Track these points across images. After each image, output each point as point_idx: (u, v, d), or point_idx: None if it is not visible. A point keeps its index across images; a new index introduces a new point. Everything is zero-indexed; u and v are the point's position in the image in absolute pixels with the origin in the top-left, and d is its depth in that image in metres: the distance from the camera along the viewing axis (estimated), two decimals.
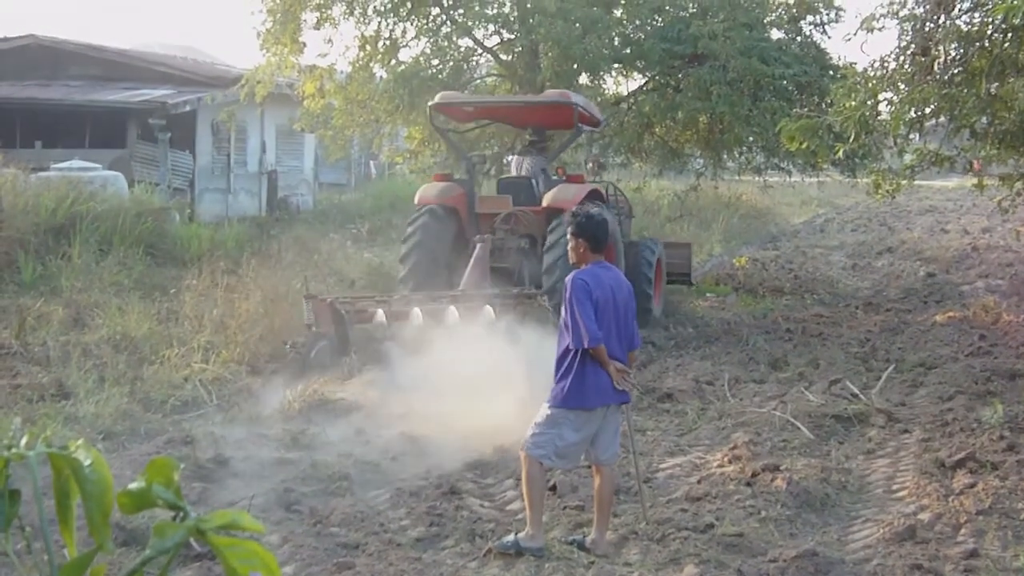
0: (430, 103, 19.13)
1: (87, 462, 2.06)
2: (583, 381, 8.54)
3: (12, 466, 2.13)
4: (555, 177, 18.66)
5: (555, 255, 16.22)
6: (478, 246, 16.63)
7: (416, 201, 18.12)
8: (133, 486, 2.05)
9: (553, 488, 10.16)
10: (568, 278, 8.67)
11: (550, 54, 23.31)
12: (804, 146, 15.08)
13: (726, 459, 10.98)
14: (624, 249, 18.75)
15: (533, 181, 18.52)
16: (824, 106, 19.37)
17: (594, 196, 17.83)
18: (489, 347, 13.00)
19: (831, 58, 24.29)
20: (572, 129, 18.82)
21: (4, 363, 14.23)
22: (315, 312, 14.63)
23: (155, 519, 8.18)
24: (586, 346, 8.44)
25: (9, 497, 2.10)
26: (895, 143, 15.59)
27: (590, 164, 21.08)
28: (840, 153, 15.34)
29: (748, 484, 10.18)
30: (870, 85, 14.13)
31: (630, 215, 20.91)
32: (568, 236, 8.97)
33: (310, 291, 15.39)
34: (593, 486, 9.10)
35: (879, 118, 14.59)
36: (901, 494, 10.27)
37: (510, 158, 20.94)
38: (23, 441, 2.10)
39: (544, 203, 17.37)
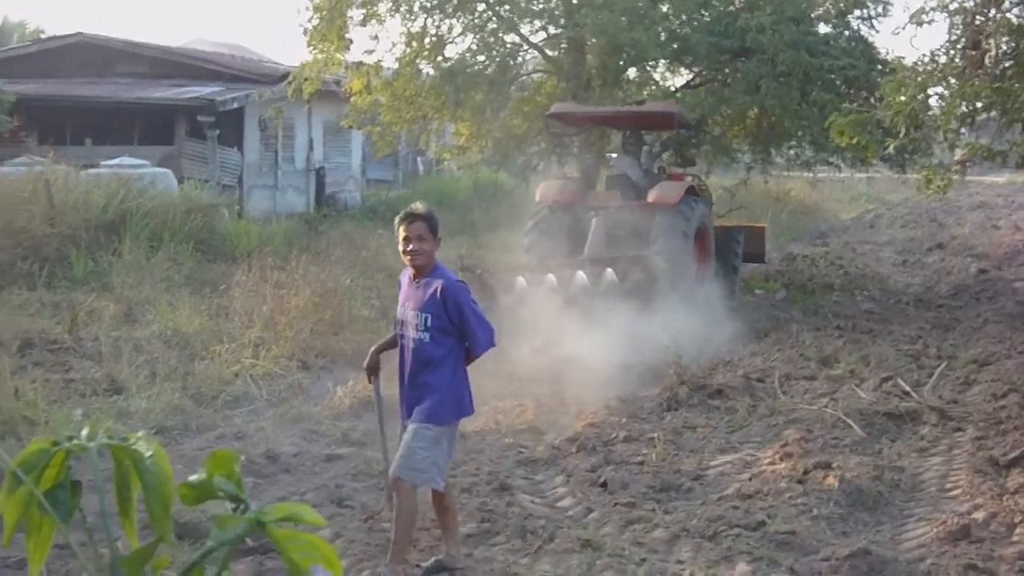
0: (548, 112, 21.57)
1: (148, 454, 2.05)
2: (466, 388, 8.13)
3: (72, 457, 2.12)
4: (656, 174, 20.79)
5: (663, 238, 18.36)
6: (594, 220, 18.46)
7: (537, 199, 20.07)
8: (194, 478, 2.05)
9: (604, 485, 10.14)
10: (447, 284, 7.89)
11: (595, 41, 23.25)
12: (854, 141, 15.00)
13: (777, 456, 10.91)
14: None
15: (636, 178, 20.12)
16: (873, 100, 19.27)
17: (691, 192, 19.82)
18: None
19: (879, 52, 24.10)
20: (672, 131, 21.35)
21: (57, 358, 14.35)
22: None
23: (206, 512, 8.22)
24: (495, 343, 8.23)
25: (71, 488, 2.10)
26: (945, 138, 15.47)
27: (677, 159, 22.94)
28: (891, 148, 15.25)
29: (800, 482, 10.11)
30: (920, 80, 14.04)
31: (711, 202, 22.30)
32: (417, 234, 7.87)
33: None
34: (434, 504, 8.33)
35: (929, 113, 14.51)
36: (954, 493, 10.16)
37: (613, 156, 22.92)
38: (84, 433, 2.10)
39: (650, 198, 19.05)
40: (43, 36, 43.31)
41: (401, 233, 7.92)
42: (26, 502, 2.05)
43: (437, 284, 7.85)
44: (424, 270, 7.95)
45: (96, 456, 2.05)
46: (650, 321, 15.88)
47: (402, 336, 8.07)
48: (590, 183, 21.73)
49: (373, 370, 8.50)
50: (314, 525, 1.97)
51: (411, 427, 7.90)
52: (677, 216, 18.58)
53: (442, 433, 7.91)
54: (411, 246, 7.86)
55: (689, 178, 21.18)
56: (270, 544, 7.44)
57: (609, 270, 16.82)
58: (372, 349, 8.51)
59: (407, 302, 8.03)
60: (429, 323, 7.85)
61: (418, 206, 8.08)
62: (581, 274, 16.70)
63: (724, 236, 21.55)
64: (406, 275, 8.16)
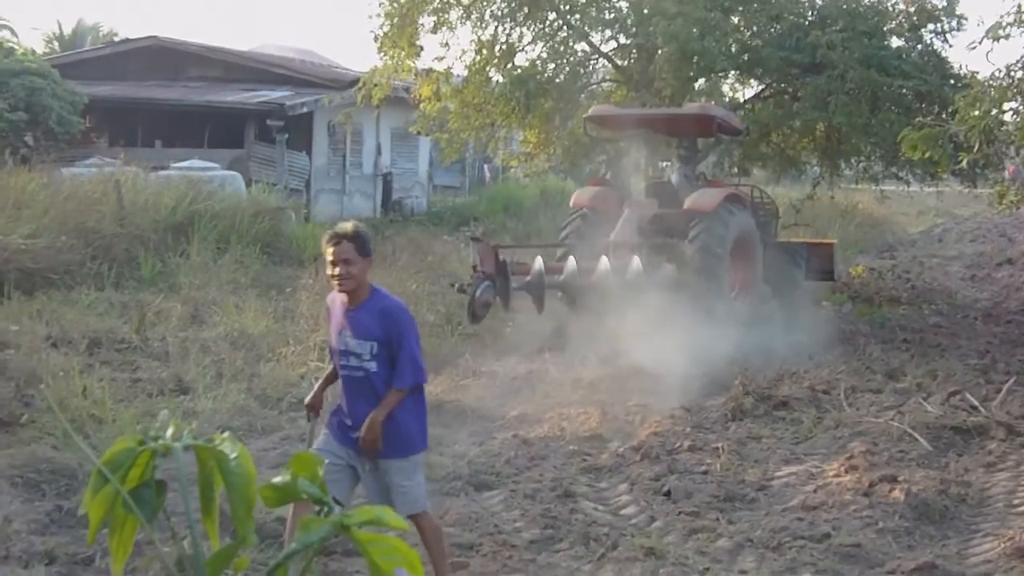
0: (585, 115, 21.01)
1: (233, 455, 2.07)
2: (425, 416, 7.65)
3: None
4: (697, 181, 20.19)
5: (696, 246, 17.75)
6: (627, 211, 18.18)
7: (571, 204, 19.90)
8: (278, 480, 2.07)
9: (668, 493, 10.12)
10: (391, 308, 7.28)
11: (665, 50, 23.09)
12: (926, 155, 14.89)
13: (843, 468, 10.83)
14: (773, 250, 20.41)
15: (678, 185, 19.95)
16: (945, 115, 19.09)
17: (733, 199, 19.07)
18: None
19: (952, 67, 23.82)
20: (712, 138, 20.96)
21: (124, 357, 14.48)
22: (480, 254, 16.36)
23: (272, 513, 8.28)
24: (425, 380, 7.59)
25: (156, 488, 2.12)
26: (1018, 153, 15.36)
27: (735, 168, 22.84)
28: (963, 163, 15.12)
29: (865, 494, 10.04)
30: (994, 94, 13.92)
31: (776, 216, 21.89)
32: (343, 257, 7.11)
33: (477, 237, 17.29)
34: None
35: (1003, 128, 14.39)
36: (1022, 509, 10.05)
37: (666, 163, 22.96)
38: (169, 433, 2.12)
39: (686, 206, 18.43)
40: (116, 39, 43.75)
41: (328, 255, 7.20)
42: (111, 501, 2.08)
43: (379, 308, 7.24)
44: (358, 295, 7.24)
45: (182, 456, 2.08)
46: (668, 323, 15.30)
47: (344, 367, 7.38)
48: (631, 189, 21.19)
49: (315, 408, 7.86)
50: (398, 529, 1.98)
51: (386, 465, 7.36)
52: (712, 223, 17.85)
53: (418, 459, 7.54)
54: (337, 269, 7.13)
55: (745, 188, 20.81)
56: (332, 545, 7.44)
57: (636, 258, 16.24)
58: (317, 386, 7.92)
59: (344, 331, 7.31)
60: (375, 351, 7.20)
61: (346, 225, 7.35)
62: (605, 260, 16.25)
63: (785, 252, 20.78)
64: (336, 300, 7.43)
